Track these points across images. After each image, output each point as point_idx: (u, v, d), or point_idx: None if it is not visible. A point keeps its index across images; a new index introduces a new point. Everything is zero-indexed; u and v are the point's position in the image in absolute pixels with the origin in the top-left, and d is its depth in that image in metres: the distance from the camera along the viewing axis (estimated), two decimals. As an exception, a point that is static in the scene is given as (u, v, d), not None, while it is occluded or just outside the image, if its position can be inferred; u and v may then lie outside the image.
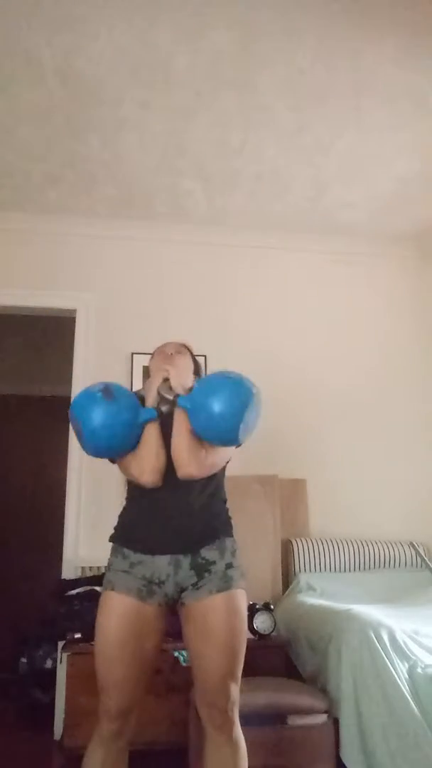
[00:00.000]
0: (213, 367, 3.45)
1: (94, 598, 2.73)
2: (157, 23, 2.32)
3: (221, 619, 1.59)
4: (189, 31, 2.36)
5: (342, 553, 3.31)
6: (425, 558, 3.35)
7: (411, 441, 3.74)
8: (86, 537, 3.26)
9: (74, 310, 3.59)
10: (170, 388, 1.73)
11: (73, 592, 2.88)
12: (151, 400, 1.72)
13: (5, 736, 2.98)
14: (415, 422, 3.77)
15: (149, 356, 1.99)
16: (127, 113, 2.80)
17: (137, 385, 3.32)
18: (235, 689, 1.60)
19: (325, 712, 2.22)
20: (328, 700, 2.25)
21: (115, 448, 1.66)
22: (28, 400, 4.72)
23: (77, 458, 3.39)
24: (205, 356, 3.41)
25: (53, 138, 2.96)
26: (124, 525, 1.75)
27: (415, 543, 3.41)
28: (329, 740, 2.18)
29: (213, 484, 1.77)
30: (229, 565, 1.65)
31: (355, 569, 3.31)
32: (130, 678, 1.58)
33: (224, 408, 1.59)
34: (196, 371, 1.95)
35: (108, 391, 1.61)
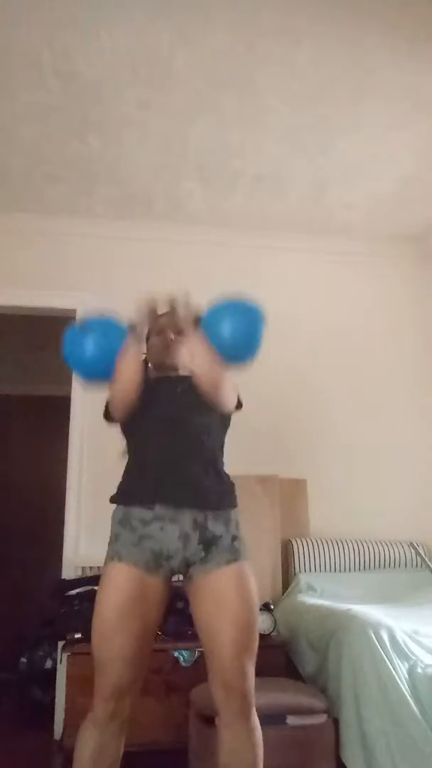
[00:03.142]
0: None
1: (94, 598, 2.74)
2: (157, 23, 2.32)
3: (232, 590, 1.57)
4: (189, 31, 2.36)
5: (342, 553, 3.31)
6: (425, 558, 3.35)
7: (411, 441, 3.74)
8: (86, 537, 3.26)
9: (74, 310, 3.59)
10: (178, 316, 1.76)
11: (73, 592, 2.87)
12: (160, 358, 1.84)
13: (5, 736, 2.98)
14: (415, 422, 3.77)
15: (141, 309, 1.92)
16: (127, 113, 2.80)
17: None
18: (251, 668, 1.57)
19: (325, 712, 2.21)
20: (328, 700, 2.25)
21: (95, 370, 1.76)
22: (28, 400, 4.72)
23: (77, 458, 3.39)
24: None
25: (53, 138, 2.96)
26: (130, 481, 1.71)
27: (415, 543, 3.41)
28: (329, 740, 2.17)
29: (218, 441, 1.78)
30: (234, 537, 1.65)
31: (355, 569, 3.31)
32: (130, 654, 1.55)
33: (241, 332, 1.73)
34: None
35: (83, 323, 1.79)
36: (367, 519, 3.50)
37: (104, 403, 1.82)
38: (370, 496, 3.57)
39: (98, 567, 3.12)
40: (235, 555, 1.62)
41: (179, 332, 1.87)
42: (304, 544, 3.31)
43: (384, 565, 3.34)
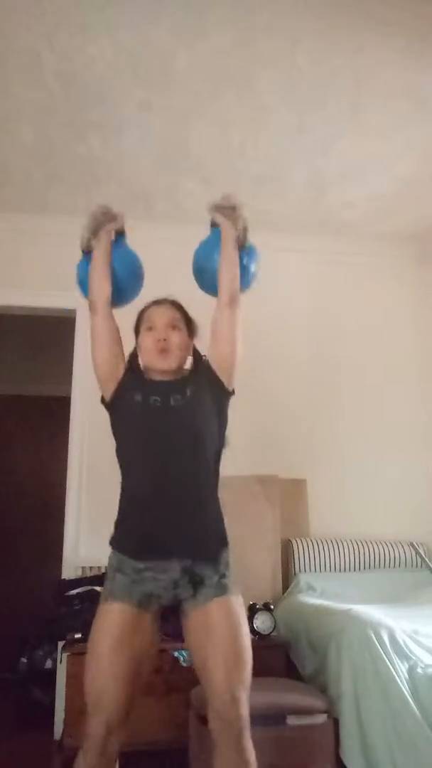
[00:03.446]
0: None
1: (94, 598, 2.73)
2: (157, 23, 2.32)
3: (221, 623, 1.59)
4: (189, 31, 2.36)
5: (342, 553, 3.31)
6: (425, 558, 3.35)
7: (411, 441, 3.74)
8: (86, 537, 3.26)
9: (74, 310, 3.59)
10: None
11: (73, 592, 2.87)
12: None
13: (5, 736, 2.98)
14: (415, 422, 3.77)
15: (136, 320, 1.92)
16: (127, 113, 2.80)
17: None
18: (244, 696, 1.56)
19: (325, 712, 2.21)
20: (328, 700, 2.25)
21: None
22: (28, 400, 4.72)
23: (77, 458, 3.39)
24: (204, 356, 3.41)
25: (53, 138, 2.96)
26: (123, 526, 1.71)
27: (415, 543, 3.41)
28: (329, 740, 2.17)
29: (215, 456, 1.74)
30: (222, 576, 1.65)
31: (355, 569, 3.31)
32: (123, 697, 1.54)
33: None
34: (191, 334, 1.89)
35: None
36: (368, 519, 3.50)
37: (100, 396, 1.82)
38: (370, 496, 3.57)
39: (98, 567, 3.15)
40: (222, 590, 1.62)
41: (172, 326, 1.81)
42: (304, 544, 3.31)
43: (384, 565, 3.34)
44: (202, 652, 1.59)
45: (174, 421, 1.70)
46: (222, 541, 1.70)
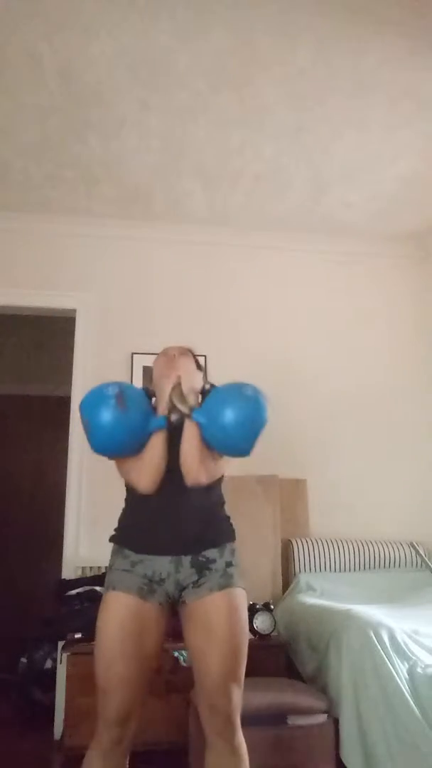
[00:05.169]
0: (213, 367, 3.45)
1: (94, 598, 2.74)
2: (157, 23, 2.32)
3: (222, 616, 1.59)
4: (189, 31, 2.36)
5: (342, 553, 3.31)
6: (425, 558, 3.35)
7: (411, 441, 3.74)
8: (86, 537, 3.26)
9: (74, 310, 3.59)
10: (182, 394, 1.70)
11: (73, 592, 2.88)
12: (163, 408, 1.71)
13: (5, 736, 2.98)
14: (415, 422, 3.77)
15: (150, 356, 1.97)
16: (127, 113, 2.80)
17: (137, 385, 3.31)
18: (237, 692, 1.58)
19: (325, 712, 2.21)
20: (328, 700, 2.25)
21: (121, 450, 1.69)
22: (28, 400, 4.72)
23: (77, 458, 3.39)
24: (205, 356, 3.42)
25: (53, 138, 2.96)
26: (126, 527, 1.75)
27: (415, 543, 3.41)
28: (329, 740, 2.18)
29: (215, 489, 1.78)
30: (228, 564, 1.66)
31: (355, 569, 3.31)
32: (131, 677, 1.56)
33: (241, 426, 1.63)
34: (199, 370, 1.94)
35: (121, 399, 1.61)
36: (367, 519, 3.50)
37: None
38: (370, 496, 3.57)
39: (98, 567, 3.15)
40: (228, 581, 1.63)
41: (182, 354, 1.86)
42: (304, 544, 3.31)
43: (384, 565, 3.34)
44: (200, 645, 1.60)
45: (177, 437, 1.70)
46: (228, 536, 1.73)
